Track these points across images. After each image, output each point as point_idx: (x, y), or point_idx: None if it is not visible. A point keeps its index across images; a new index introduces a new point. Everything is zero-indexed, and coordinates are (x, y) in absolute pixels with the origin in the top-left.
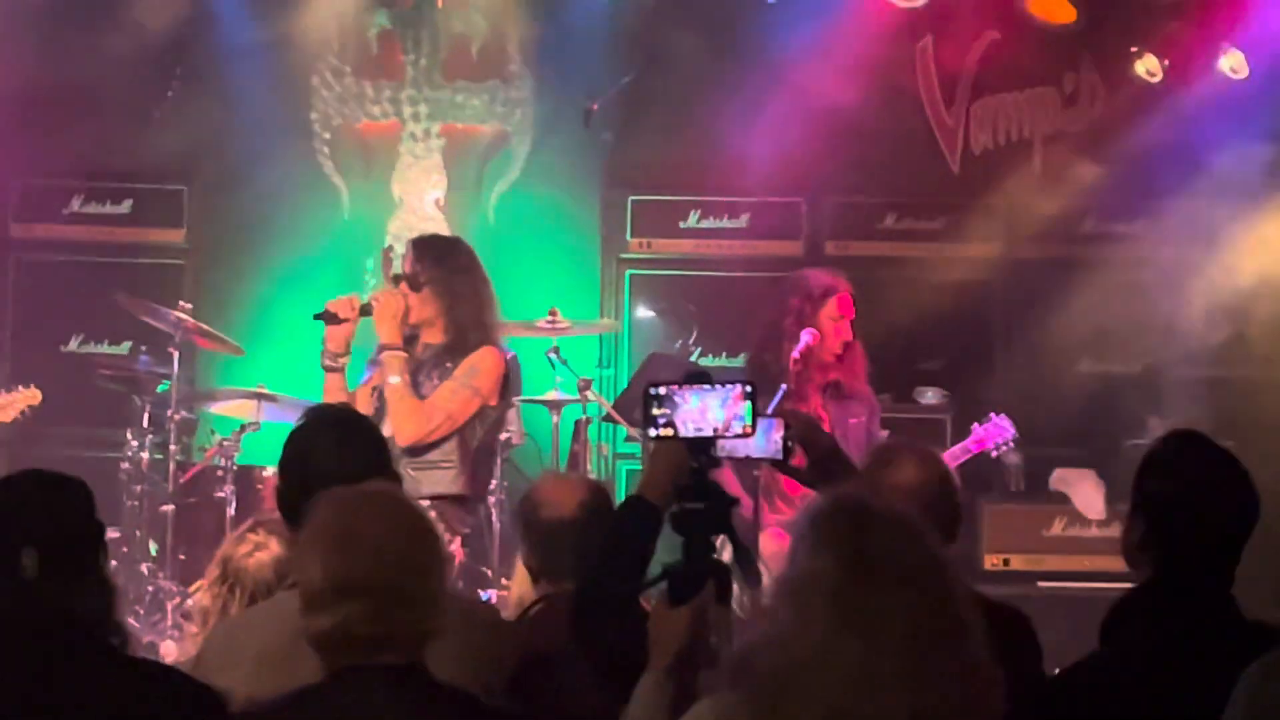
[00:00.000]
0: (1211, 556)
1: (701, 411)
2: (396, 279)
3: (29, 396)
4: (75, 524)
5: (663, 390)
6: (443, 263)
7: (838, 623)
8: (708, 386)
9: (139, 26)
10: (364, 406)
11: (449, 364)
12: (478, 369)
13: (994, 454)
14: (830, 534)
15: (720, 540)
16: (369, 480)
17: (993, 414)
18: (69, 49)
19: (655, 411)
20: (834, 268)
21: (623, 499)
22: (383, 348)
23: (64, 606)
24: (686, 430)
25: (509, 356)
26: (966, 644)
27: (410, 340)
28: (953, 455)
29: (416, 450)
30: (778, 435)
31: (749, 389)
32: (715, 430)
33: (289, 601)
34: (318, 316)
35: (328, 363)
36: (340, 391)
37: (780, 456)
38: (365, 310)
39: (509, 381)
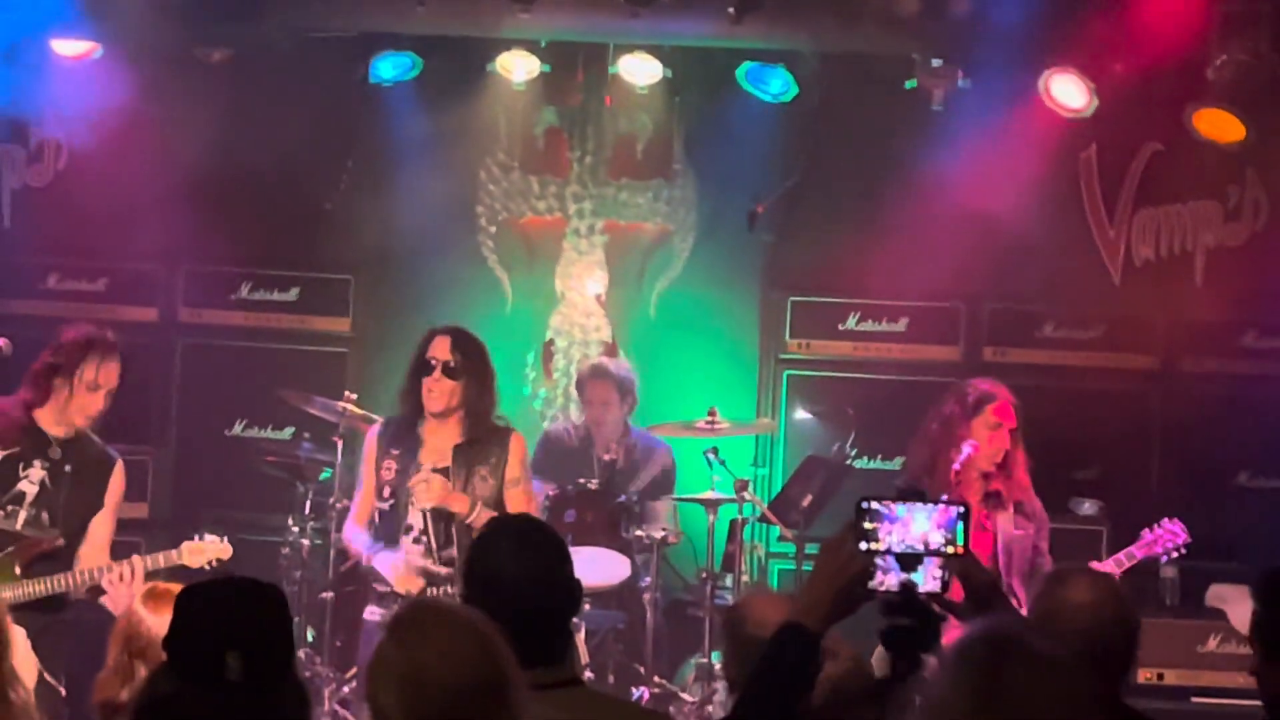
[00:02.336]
0: None
1: (914, 528)
2: (430, 365)
3: (220, 550)
4: (275, 629)
5: (875, 505)
6: (473, 355)
7: None
8: (921, 504)
9: (312, 118)
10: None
11: (493, 459)
12: (526, 460)
13: (1164, 559)
14: (970, 664)
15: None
16: (550, 587)
17: (1165, 519)
18: (242, 137)
19: (867, 525)
20: (995, 377)
21: (782, 626)
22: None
23: (266, 710)
24: (898, 546)
25: (665, 451)
26: None
27: (412, 422)
28: (1117, 561)
29: None
30: (936, 568)
31: (963, 509)
32: (926, 547)
33: None
34: None
35: None
36: None
37: (938, 589)
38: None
39: None
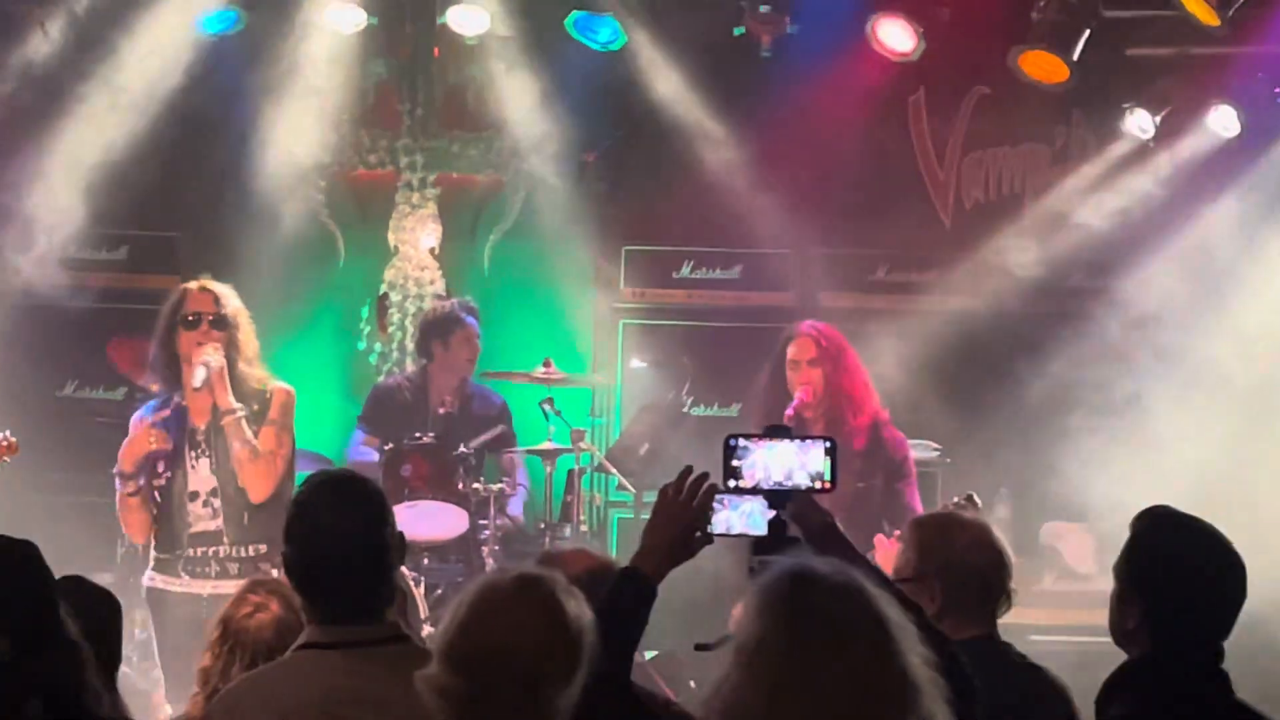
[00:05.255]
0: (1208, 636)
1: (783, 465)
2: (192, 321)
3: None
4: (34, 592)
5: (744, 442)
6: (237, 309)
7: (779, 685)
8: (789, 440)
9: (136, 72)
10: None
11: (255, 406)
12: (289, 408)
13: None
14: (773, 599)
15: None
16: (369, 541)
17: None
18: (64, 91)
19: (735, 463)
20: (830, 322)
21: (619, 572)
22: (224, 412)
23: (36, 681)
24: (766, 483)
25: (501, 404)
26: (915, 706)
27: (171, 388)
28: None
29: (268, 503)
30: (770, 512)
31: (830, 444)
32: (795, 484)
33: (293, 665)
34: None
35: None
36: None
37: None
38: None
39: None
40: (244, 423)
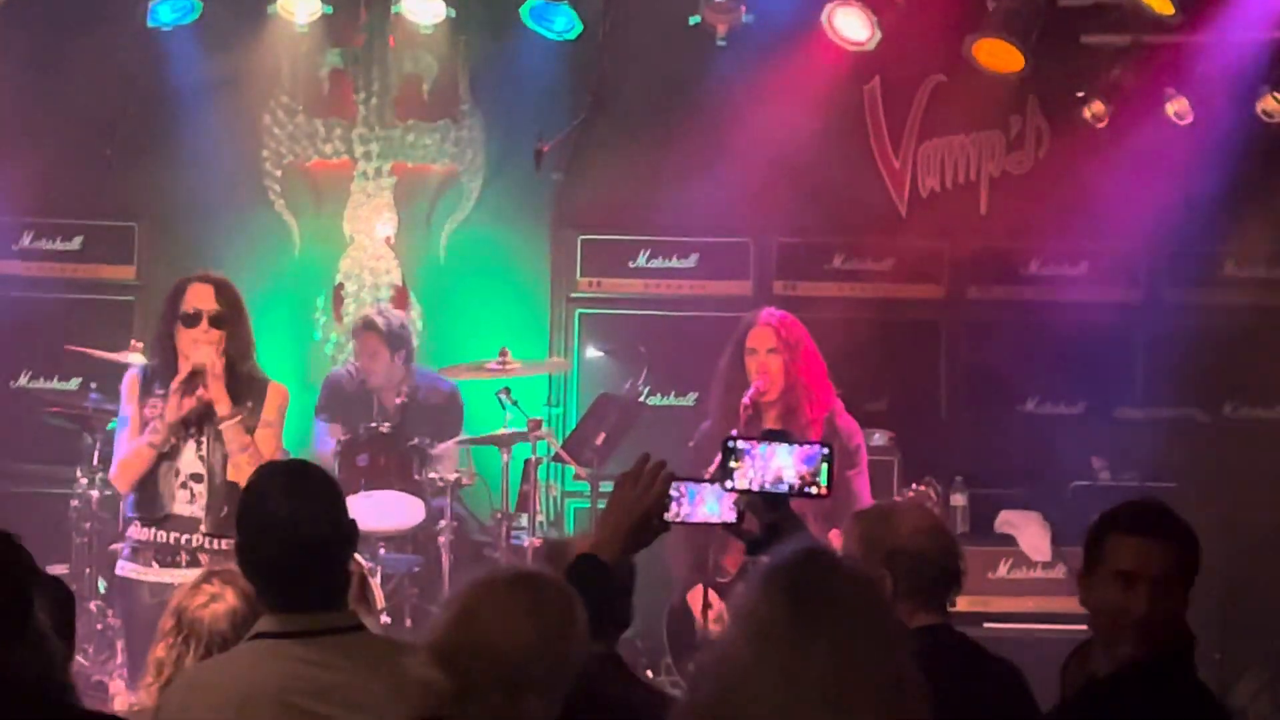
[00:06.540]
0: None
1: (780, 468)
2: (193, 317)
3: None
4: (6, 585)
5: (741, 444)
6: (235, 303)
7: (770, 648)
8: (786, 444)
9: (90, 63)
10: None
11: (250, 403)
12: (284, 410)
13: None
14: (775, 573)
15: None
16: (323, 529)
17: None
18: (20, 84)
19: (732, 465)
20: (780, 305)
21: (577, 556)
22: (222, 418)
23: (5, 673)
24: (764, 485)
25: (449, 390)
26: (896, 685)
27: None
28: None
29: None
30: (730, 499)
31: (827, 450)
32: (792, 487)
33: (248, 654)
34: None
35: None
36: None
37: (733, 520)
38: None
39: None
40: (241, 426)
